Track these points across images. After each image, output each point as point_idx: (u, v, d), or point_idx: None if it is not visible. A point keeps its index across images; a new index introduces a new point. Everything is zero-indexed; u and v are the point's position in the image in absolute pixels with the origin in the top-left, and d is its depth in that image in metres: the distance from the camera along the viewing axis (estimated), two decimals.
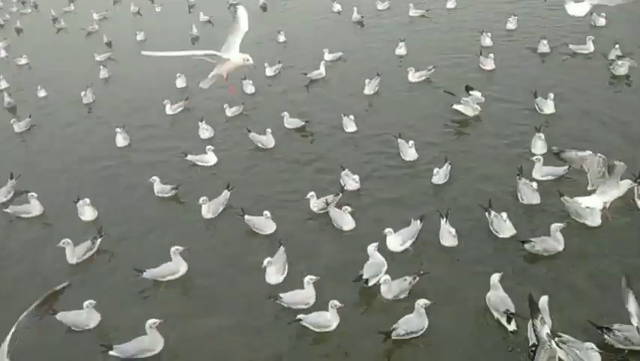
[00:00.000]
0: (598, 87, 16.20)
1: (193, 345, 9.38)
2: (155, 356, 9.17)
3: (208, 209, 12.55)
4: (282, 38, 22.39)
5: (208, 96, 18.44)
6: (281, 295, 9.70)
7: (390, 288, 9.68)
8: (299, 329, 9.34)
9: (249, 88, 18.47)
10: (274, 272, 10.34)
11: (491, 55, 17.93)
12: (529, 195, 11.61)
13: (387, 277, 9.74)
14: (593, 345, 7.90)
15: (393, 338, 8.84)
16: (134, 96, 19.53)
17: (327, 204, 12.04)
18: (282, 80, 19.36)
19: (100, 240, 11.78)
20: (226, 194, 12.82)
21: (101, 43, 24.69)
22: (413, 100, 16.83)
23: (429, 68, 17.76)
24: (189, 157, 14.80)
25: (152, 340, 9.12)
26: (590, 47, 18.07)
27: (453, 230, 10.67)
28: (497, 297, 9.10)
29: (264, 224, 11.77)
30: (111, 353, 9.05)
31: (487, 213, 11.04)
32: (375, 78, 17.42)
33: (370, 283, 10.01)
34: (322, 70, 18.98)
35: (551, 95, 14.92)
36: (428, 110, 16.04)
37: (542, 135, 13.24)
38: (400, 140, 13.92)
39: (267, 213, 11.73)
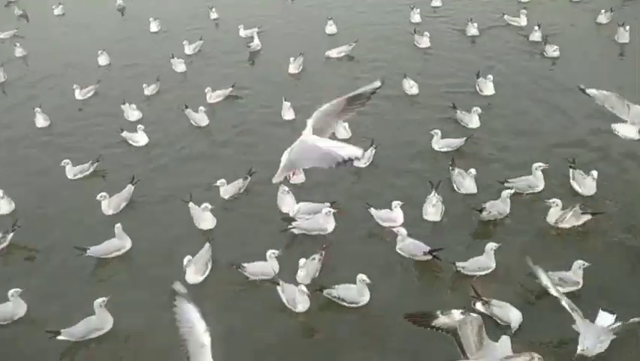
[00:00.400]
0: (532, 66, 16.49)
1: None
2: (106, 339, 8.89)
3: (108, 205, 11.56)
4: (214, 15, 21.63)
5: (130, 75, 17.77)
6: (244, 264, 9.63)
7: (308, 271, 9.56)
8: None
9: (180, 67, 17.81)
10: (193, 272, 9.80)
11: (427, 33, 17.81)
12: (465, 184, 11.37)
13: (303, 260, 9.64)
14: (512, 309, 8.54)
15: (324, 294, 9.08)
16: (52, 74, 18.37)
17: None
18: (204, 56, 18.76)
19: (12, 234, 10.96)
20: (130, 189, 11.85)
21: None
22: (338, 79, 16.40)
23: (350, 43, 17.66)
24: (124, 134, 14.21)
25: (101, 319, 8.85)
26: (523, 20, 18.59)
27: (395, 201, 10.62)
28: (410, 243, 9.76)
29: (200, 216, 11.00)
30: (60, 337, 8.69)
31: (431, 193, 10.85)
32: (298, 57, 17.12)
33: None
34: (257, 41, 18.76)
35: (490, 77, 14.93)
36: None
37: (479, 109, 13.41)
38: None
39: (206, 205, 10.96)
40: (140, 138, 14.13)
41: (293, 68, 17.04)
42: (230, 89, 15.73)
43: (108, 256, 10.40)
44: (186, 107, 14.81)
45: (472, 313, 7.42)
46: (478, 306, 8.71)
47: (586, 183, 11.07)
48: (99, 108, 16.22)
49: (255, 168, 12.12)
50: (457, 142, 12.72)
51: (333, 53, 17.55)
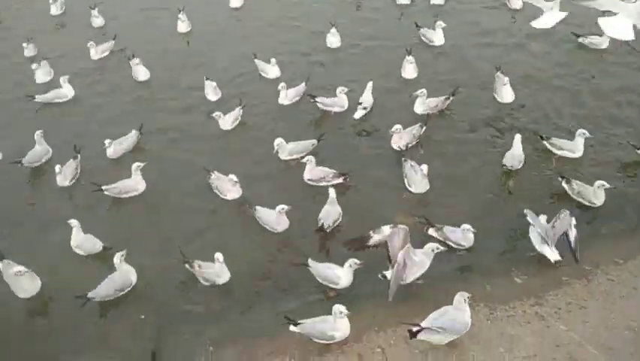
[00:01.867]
0: None
1: None
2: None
3: None
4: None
5: None
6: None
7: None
8: None
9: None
10: None
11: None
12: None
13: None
14: (469, 227, 8.73)
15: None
16: None
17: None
18: None
19: None
20: None
21: None
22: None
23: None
24: (39, 98, 12.27)
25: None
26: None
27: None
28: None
29: None
30: None
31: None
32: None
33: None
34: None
35: (440, 23, 13.95)
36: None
37: (442, 23, 13.78)
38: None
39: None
40: (66, 92, 12.42)
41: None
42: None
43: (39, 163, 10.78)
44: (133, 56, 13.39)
45: (399, 225, 7.91)
46: (431, 231, 8.94)
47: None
48: None
49: None
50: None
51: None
